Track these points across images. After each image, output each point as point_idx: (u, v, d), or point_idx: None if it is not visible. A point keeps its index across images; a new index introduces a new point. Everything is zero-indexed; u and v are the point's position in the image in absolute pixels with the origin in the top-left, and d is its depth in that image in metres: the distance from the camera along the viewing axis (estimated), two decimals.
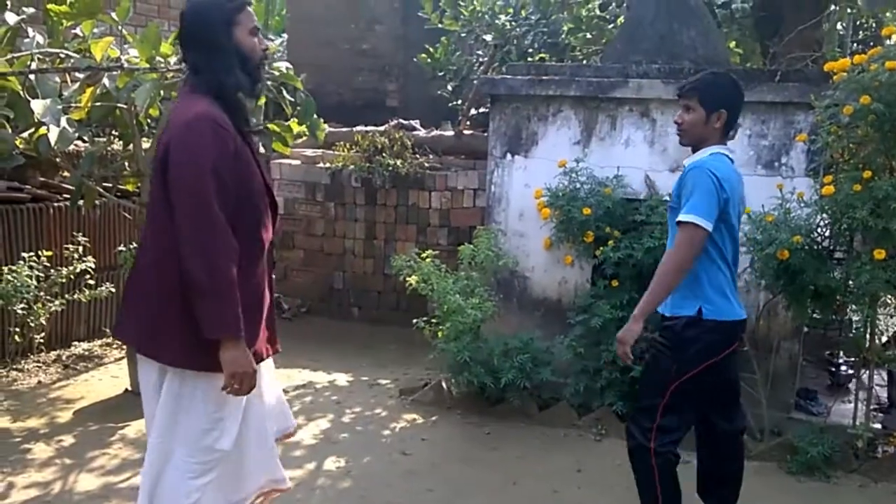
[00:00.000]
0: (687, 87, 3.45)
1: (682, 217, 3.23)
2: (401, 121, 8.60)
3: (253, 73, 2.72)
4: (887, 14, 8.27)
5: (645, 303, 3.28)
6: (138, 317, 2.70)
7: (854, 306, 4.84)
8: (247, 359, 2.60)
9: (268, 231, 2.77)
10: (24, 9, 5.22)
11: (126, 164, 5.99)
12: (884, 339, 4.86)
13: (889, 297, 4.64)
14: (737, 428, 3.62)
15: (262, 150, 5.60)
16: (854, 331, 4.96)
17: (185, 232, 2.50)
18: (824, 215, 4.59)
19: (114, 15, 5.25)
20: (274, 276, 3.08)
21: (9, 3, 5.05)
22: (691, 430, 3.57)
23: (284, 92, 5.55)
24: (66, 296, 6.03)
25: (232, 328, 2.55)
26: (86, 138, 5.87)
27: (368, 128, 8.34)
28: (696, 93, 3.40)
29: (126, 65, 5.03)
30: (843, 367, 5.93)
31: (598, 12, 8.69)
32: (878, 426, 5.04)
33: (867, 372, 4.82)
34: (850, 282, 4.56)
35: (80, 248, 6.08)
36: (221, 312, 2.53)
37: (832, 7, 7.73)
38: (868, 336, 4.72)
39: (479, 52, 9.47)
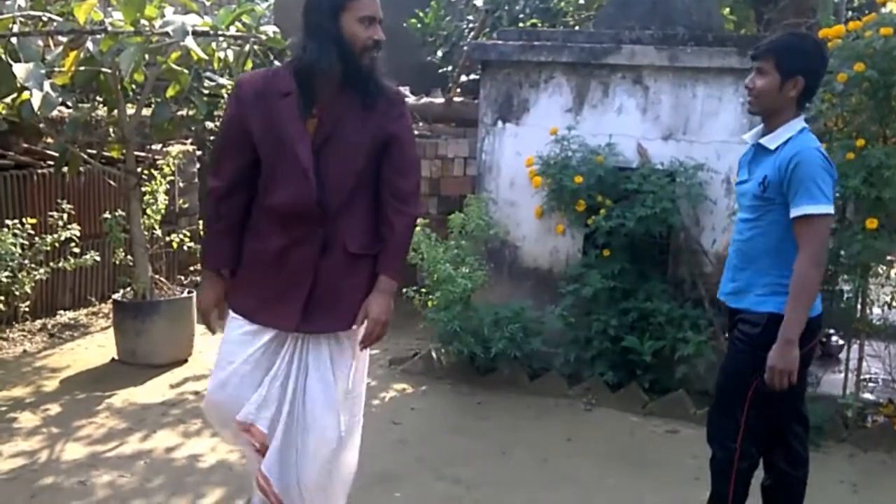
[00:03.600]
0: (762, 48, 3.06)
1: (811, 209, 2.88)
2: None
3: (350, 61, 2.74)
4: None
5: (793, 322, 2.90)
6: None
7: (845, 276, 4.83)
8: (205, 291, 3.03)
9: (285, 196, 2.79)
10: None
11: (111, 129, 5.90)
12: (875, 309, 4.85)
13: (880, 267, 4.62)
14: (798, 433, 3.29)
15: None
16: (845, 301, 4.94)
17: None
18: None
19: None
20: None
21: None
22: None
23: (271, 57, 5.46)
24: (51, 264, 5.96)
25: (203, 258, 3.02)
26: (69, 103, 5.79)
27: None
28: (772, 55, 3.01)
29: (110, 28, 4.93)
30: (834, 338, 5.93)
31: None
32: (868, 396, 5.05)
33: (858, 342, 4.82)
34: (842, 252, 4.55)
35: (65, 216, 5.99)
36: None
37: None
38: (859, 306, 4.71)
39: (470, 18, 9.37)
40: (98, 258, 6.17)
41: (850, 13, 8.32)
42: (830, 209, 2.91)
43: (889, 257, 4.67)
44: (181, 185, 7.27)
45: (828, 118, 4.64)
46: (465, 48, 7.30)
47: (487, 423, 4.82)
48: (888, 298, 4.73)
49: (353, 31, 2.71)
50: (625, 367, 5.18)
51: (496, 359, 5.23)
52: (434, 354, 5.61)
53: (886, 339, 5.18)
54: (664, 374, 5.06)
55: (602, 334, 5.15)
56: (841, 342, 5.78)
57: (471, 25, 9.08)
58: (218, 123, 7.12)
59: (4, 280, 5.57)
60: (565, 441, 4.60)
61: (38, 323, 6.24)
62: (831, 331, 6.01)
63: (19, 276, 5.70)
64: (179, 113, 5.82)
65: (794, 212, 2.93)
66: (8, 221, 5.67)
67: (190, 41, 4.76)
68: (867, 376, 5.19)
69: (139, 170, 5.77)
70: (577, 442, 4.60)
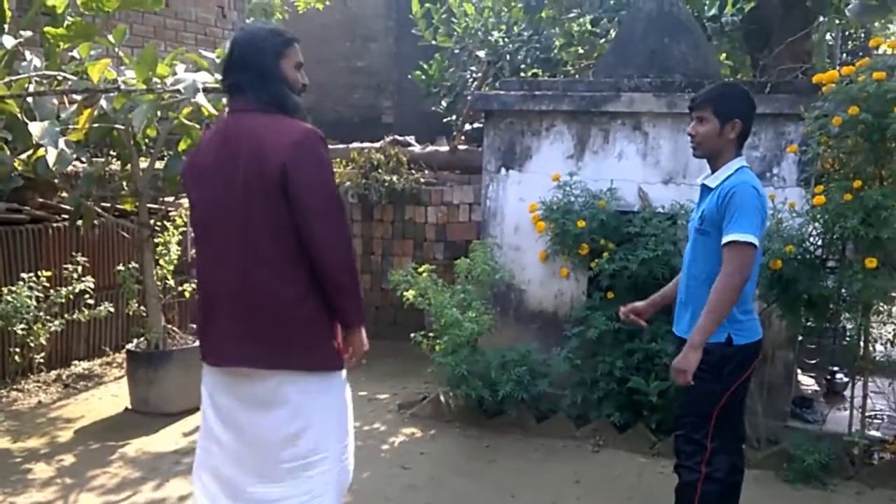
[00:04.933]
0: (699, 98, 3.39)
1: (736, 237, 3.15)
2: (396, 137, 8.66)
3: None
4: (875, 24, 8.36)
5: (703, 329, 3.18)
6: (265, 336, 2.80)
7: (847, 314, 4.87)
8: (364, 337, 3.00)
9: None
10: (22, 32, 5.29)
11: (124, 183, 6.03)
12: (878, 346, 4.89)
13: (882, 305, 4.67)
14: (741, 438, 3.63)
15: None
16: (848, 339, 4.98)
17: (328, 243, 2.76)
18: (816, 225, 4.63)
19: (110, 37, 5.32)
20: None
21: (6, 26, 5.10)
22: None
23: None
24: (66, 315, 6.07)
25: (362, 315, 2.97)
26: (84, 159, 5.92)
27: (364, 144, 8.39)
28: (710, 104, 3.34)
29: (123, 86, 5.08)
30: (839, 375, 5.96)
31: (589, 27, 8.77)
32: (874, 433, 5.07)
33: (862, 380, 4.85)
34: (843, 290, 4.60)
35: (80, 268, 6.11)
36: (360, 303, 2.91)
37: (821, 18, 7.82)
38: (862, 344, 4.76)
39: (473, 69, 9.55)
40: (112, 309, 6.27)
41: (844, 56, 8.48)
42: (754, 240, 3.17)
43: (894, 294, 4.71)
44: (193, 235, 7.37)
45: (825, 160, 4.72)
46: (469, 98, 7.44)
47: (496, 466, 4.85)
48: (890, 336, 4.76)
49: (293, 76, 2.90)
50: (631, 407, 5.22)
51: (504, 401, 5.27)
52: (442, 398, 5.66)
53: (890, 376, 5.22)
54: (671, 414, 5.08)
55: (608, 376, 5.20)
56: (845, 379, 5.80)
57: (474, 76, 9.26)
58: None
59: (20, 332, 5.67)
60: (573, 483, 4.63)
61: (53, 374, 6.33)
62: (835, 368, 6.05)
63: (34, 328, 5.81)
64: None
65: (724, 238, 3.21)
66: (24, 275, 5.79)
67: (201, 98, 4.90)
68: (872, 413, 5.20)
69: (152, 222, 5.89)
70: (586, 483, 4.62)
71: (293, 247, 2.76)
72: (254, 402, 2.85)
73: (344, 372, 2.99)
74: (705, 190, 3.44)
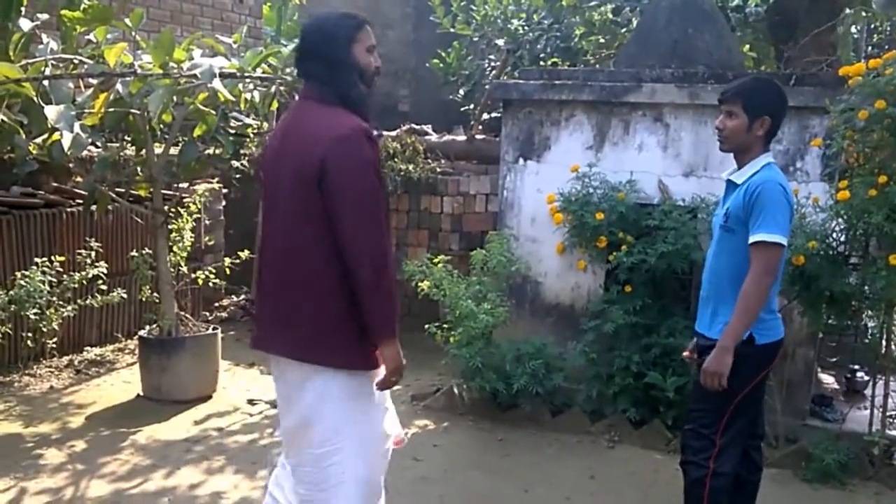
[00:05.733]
0: (730, 92, 3.33)
1: (764, 237, 3.13)
2: (413, 125, 8.59)
3: (368, 86, 2.89)
4: None
5: (734, 331, 3.17)
6: (295, 326, 2.81)
7: (869, 312, 4.80)
8: (400, 354, 2.86)
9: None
10: (38, 15, 5.27)
11: (139, 169, 6.01)
12: None
13: None
14: (760, 436, 3.60)
15: None
16: (870, 337, 4.91)
17: (357, 240, 2.69)
18: (840, 220, 4.57)
19: (127, 21, 5.28)
20: None
21: (23, 9, 5.08)
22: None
23: (296, 98, 5.56)
24: (79, 301, 6.06)
25: (395, 326, 2.82)
26: (99, 144, 5.91)
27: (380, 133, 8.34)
28: (740, 98, 3.28)
29: (139, 71, 5.05)
30: (860, 374, 5.89)
31: (610, 16, 8.69)
32: (895, 433, 4.99)
33: (883, 378, 4.78)
34: (866, 287, 4.54)
35: (93, 254, 6.10)
36: (390, 312, 2.79)
37: (846, 10, 7.70)
38: (884, 342, 4.68)
39: (492, 57, 9.48)
40: (125, 295, 6.27)
41: (870, 49, 8.36)
42: (782, 240, 3.15)
43: None
44: (207, 222, 7.37)
45: (849, 155, 4.64)
46: (487, 87, 7.39)
47: (509, 460, 4.81)
48: None
49: (365, 60, 2.86)
50: (647, 403, 5.16)
51: (518, 395, 5.23)
52: (456, 390, 5.62)
53: None
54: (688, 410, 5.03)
55: (624, 370, 5.14)
56: (866, 378, 5.73)
57: (492, 65, 9.18)
58: (246, 163, 7.23)
59: (32, 317, 5.66)
60: (588, 478, 4.59)
61: (65, 359, 6.32)
62: (856, 366, 5.97)
63: (47, 313, 5.80)
64: (206, 152, 5.92)
65: (751, 238, 3.18)
66: (37, 259, 5.78)
67: (217, 83, 4.87)
68: (893, 413, 5.12)
69: (166, 208, 5.87)
70: (600, 479, 4.58)
71: (329, 241, 2.73)
72: (289, 387, 2.92)
73: (374, 374, 2.92)
74: (731, 186, 3.38)
